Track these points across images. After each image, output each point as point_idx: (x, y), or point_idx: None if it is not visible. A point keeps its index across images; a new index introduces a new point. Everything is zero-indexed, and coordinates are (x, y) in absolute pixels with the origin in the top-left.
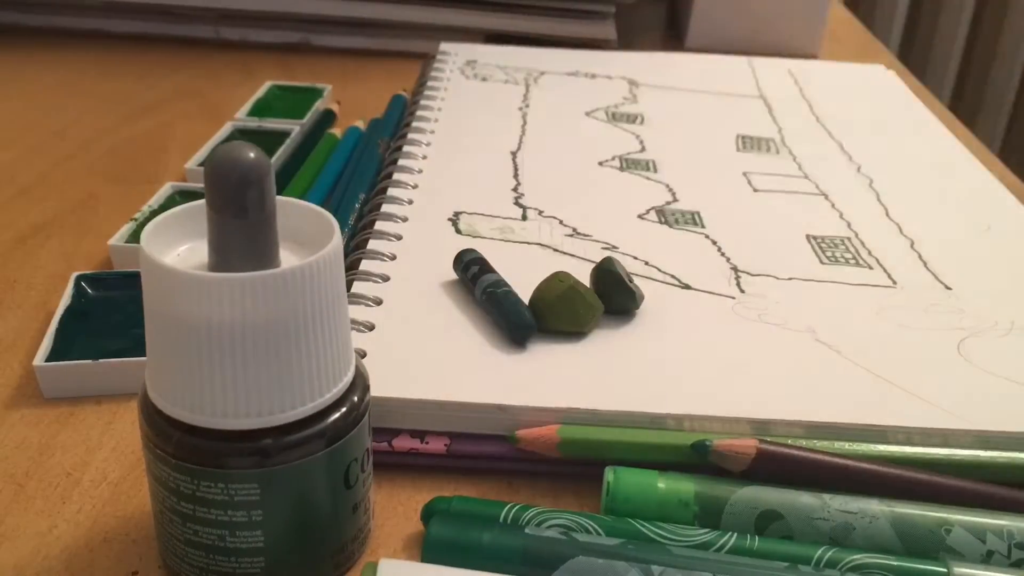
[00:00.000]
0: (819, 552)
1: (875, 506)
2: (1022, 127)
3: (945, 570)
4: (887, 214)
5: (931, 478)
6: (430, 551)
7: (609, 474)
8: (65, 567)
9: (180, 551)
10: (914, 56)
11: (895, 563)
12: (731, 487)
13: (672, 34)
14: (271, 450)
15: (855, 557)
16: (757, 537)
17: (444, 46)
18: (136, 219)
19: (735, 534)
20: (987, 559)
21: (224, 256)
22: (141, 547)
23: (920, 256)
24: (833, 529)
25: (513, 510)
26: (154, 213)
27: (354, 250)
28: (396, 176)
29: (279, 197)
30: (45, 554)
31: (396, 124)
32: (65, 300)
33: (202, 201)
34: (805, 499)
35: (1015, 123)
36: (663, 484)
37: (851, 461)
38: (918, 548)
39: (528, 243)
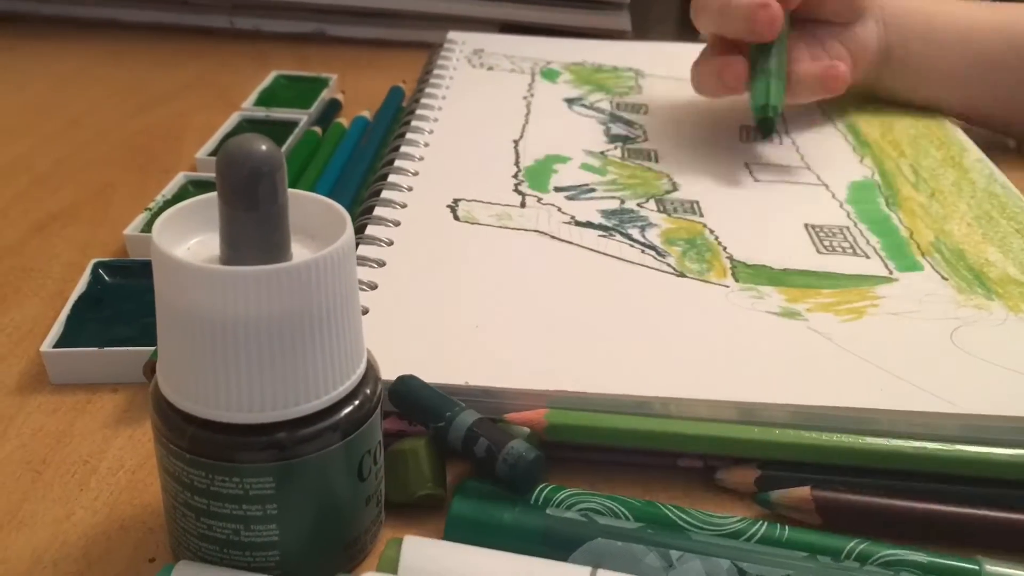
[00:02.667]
0: (850, 545)
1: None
2: None
3: (976, 567)
4: (887, 204)
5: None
6: (452, 528)
7: None
8: (83, 554)
9: (193, 545)
10: None
11: (926, 560)
12: None
13: (687, 25)
14: (286, 443)
15: (886, 552)
16: (787, 528)
17: (452, 35)
18: (150, 208)
19: (764, 523)
20: None
21: (236, 249)
22: (158, 535)
23: (919, 246)
24: None
25: (545, 491)
26: (167, 203)
27: None
28: (397, 163)
29: (290, 190)
30: (63, 541)
31: (392, 116)
32: (80, 287)
33: (213, 194)
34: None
35: None
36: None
37: (920, 503)
38: None
39: (526, 230)
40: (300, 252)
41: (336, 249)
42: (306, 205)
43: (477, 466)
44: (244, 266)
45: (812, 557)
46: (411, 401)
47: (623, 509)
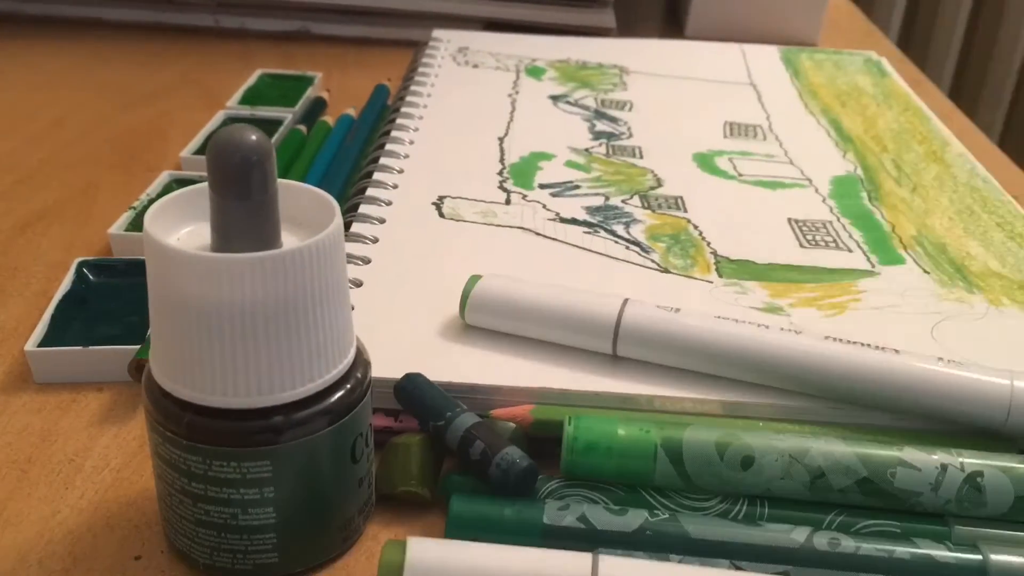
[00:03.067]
0: (838, 518)
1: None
2: (1022, 116)
3: (980, 557)
4: (869, 199)
5: None
6: (453, 528)
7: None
8: (68, 552)
9: (190, 532)
10: (913, 45)
11: (934, 554)
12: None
13: (672, 23)
14: (282, 427)
15: (873, 523)
16: (767, 503)
17: (436, 33)
18: (135, 207)
19: (745, 502)
20: (942, 472)
21: (226, 238)
22: (144, 532)
23: (901, 240)
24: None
25: None
26: (152, 201)
27: None
28: (383, 160)
29: (280, 179)
30: (48, 539)
31: (377, 114)
32: (64, 286)
33: (203, 184)
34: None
35: (1015, 112)
36: (623, 431)
37: None
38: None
39: (511, 227)
40: (290, 240)
41: (325, 236)
42: (295, 195)
43: (471, 468)
44: (235, 253)
45: (809, 541)
46: (415, 398)
47: (606, 499)
